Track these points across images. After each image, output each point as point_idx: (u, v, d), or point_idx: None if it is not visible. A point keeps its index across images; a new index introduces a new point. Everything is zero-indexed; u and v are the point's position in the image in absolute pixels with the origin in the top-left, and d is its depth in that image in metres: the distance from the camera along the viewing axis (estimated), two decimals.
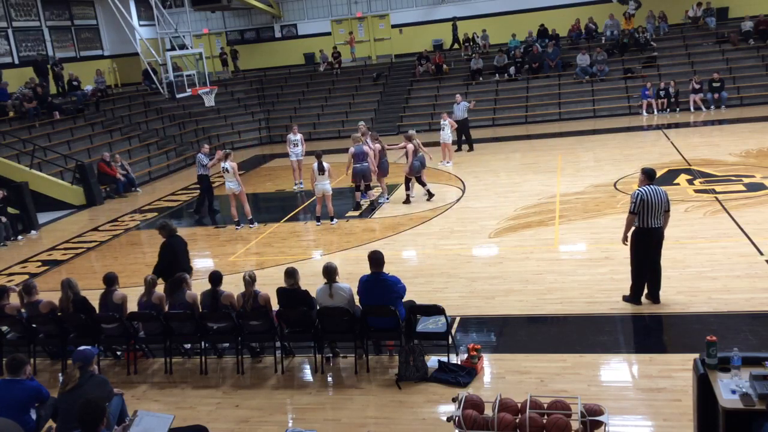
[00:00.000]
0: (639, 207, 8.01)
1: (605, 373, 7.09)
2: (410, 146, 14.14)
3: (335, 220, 13.68)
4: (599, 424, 5.23)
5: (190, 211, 16.09)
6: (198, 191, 16.19)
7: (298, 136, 16.94)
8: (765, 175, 13.56)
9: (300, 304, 7.58)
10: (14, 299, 8.82)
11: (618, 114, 22.98)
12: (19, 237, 15.25)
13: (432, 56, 26.80)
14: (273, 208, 15.83)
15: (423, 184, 14.56)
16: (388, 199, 14.86)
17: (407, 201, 14.43)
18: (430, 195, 14.47)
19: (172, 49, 22.08)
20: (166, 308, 8.08)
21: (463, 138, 19.76)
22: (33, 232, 15.70)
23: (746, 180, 13.46)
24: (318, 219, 13.72)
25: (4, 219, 14.99)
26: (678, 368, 6.78)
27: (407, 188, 14.53)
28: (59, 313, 8.14)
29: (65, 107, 21.85)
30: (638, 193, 8.05)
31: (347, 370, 7.70)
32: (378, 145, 14.61)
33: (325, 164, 13.26)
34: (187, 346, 8.44)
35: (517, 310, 8.69)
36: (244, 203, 13.89)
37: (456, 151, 19.42)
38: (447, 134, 17.86)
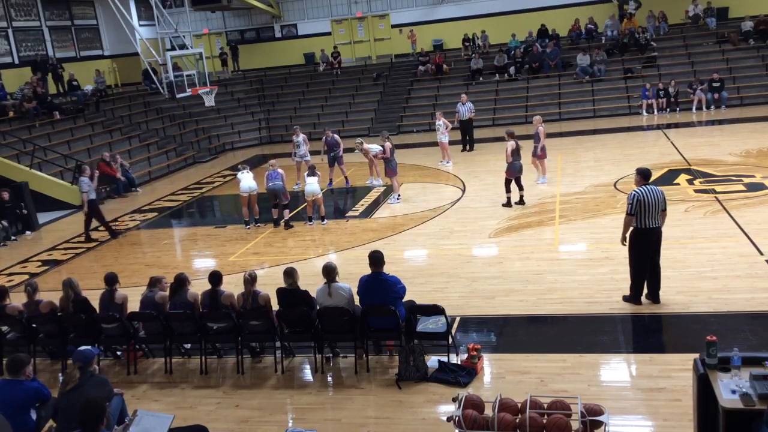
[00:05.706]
0: (636, 208, 8.00)
1: (605, 373, 7.09)
2: (510, 144, 13.29)
3: (325, 220, 13.85)
4: (599, 424, 5.23)
5: (191, 211, 16.08)
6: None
7: (300, 138, 17.03)
8: (765, 175, 13.56)
9: (299, 304, 7.58)
10: (19, 298, 8.83)
11: (618, 114, 22.97)
12: (13, 237, 15.22)
13: (432, 56, 26.80)
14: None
15: (520, 188, 13.44)
16: (398, 198, 14.86)
17: (508, 204, 13.27)
18: (521, 201, 13.34)
19: (172, 49, 22.09)
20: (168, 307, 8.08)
21: (467, 138, 19.78)
22: (28, 233, 15.68)
23: (746, 180, 13.46)
24: (310, 219, 13.92)
25: (5, 223, 14.99)
26: (678, 368, 6.77)
27: (507, 191, 13.32)
28: (59, 313, 8.15)
29: (65, 107, 21.85)
30: (634, 194, 8.05)
31: (347, 370, 7.70)
32: (388, 144, 14.64)
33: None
34: (187, 346, 8.44)
35: (517, 310, 8.69)
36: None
37: (462, 151, 19.48)
38: (443, 134, 17.86)
